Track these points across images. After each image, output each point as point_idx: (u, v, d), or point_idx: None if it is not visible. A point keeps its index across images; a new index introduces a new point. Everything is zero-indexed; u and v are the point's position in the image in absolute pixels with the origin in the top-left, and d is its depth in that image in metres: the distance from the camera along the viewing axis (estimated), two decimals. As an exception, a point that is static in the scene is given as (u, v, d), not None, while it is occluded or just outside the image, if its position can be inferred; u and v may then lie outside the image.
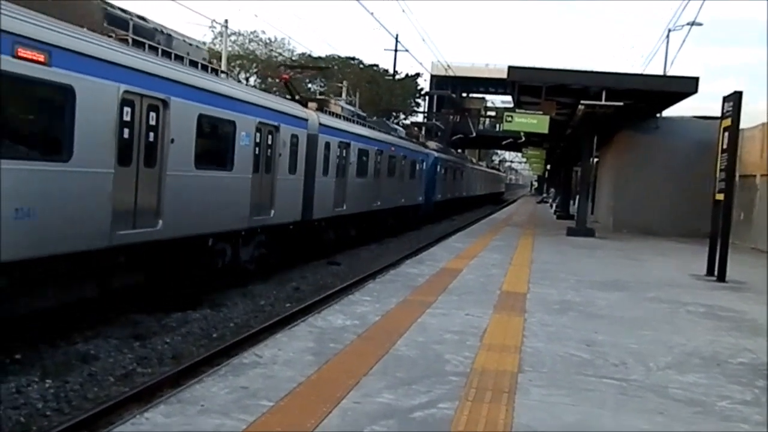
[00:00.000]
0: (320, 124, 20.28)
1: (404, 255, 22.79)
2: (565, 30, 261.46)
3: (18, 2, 7.95)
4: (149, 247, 11.94)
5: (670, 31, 40.94)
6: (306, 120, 19.19)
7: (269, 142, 16.52)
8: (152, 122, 11.64)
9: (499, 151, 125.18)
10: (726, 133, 16.06)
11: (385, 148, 28.48)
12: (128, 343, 10.77)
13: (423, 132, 53.77)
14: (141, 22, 12.45)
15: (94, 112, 10.08)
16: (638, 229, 28.48)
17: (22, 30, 8.57)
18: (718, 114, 17.70)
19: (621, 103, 23.47)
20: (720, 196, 16.12)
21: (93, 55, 9.99)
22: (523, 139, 47.61)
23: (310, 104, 21.31)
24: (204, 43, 22.63)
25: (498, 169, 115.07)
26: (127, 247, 11.27)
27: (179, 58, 12.98)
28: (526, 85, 23.65)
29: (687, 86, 23.50)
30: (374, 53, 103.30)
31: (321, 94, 54.45)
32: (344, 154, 22.79)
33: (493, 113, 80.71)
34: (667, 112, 30.51)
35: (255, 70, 56.61)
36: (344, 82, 50.78)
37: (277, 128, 16.82)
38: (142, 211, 11.48)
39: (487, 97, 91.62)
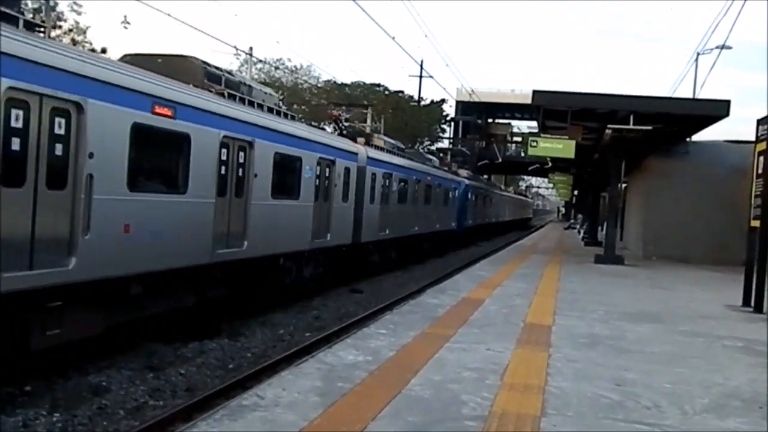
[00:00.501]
0: (368, 157, 22.72)
1: (427, 283, 22.47)
2: (593, 54, 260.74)
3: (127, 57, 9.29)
4: (236, 265, 13.99)
5: (698, 54, 40.22)
6: (356, 154, 21.78)
7: (327, 174, 18.90)
8: (241, 160, 13.84)
9: (525, 177, 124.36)
10: (761, 158, 15.37)
11: (422, 177, 30.68)
12: (142, 374, 10.50)
13: (449, 158, 53.47)
14: (230, 76, 14.94)
15: (203, 154, 12.33)
16: (669, 257, 27.74)
17: (157, 92, 10.97)
18: (749, 138, 17.03)
19: (650, 127, 22.87)
20: (756, 223, 15.41)
21: (203, 108, 12.31)
22: (550, 164, 47.07)
23: (358, 139, 23.84)
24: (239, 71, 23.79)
25: (525, 195, 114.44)
26: (221, 264, 13.36)
27: (260, 106, 15.29)
28: (552, 109, 23.13)
29: (718, 109, 22.83)
30: (399, 80, 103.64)
31: (346, 120, 54.44)
32: (387, 184, 25.01)
33: (519, 139, 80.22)
34: (697, 137, 29.76)
35: (281, 98, 56.58)
36: (369, 109, 50.66)
37: (333, 162, 19.23)
38: (233, 234, 13.62)
39: (513, 122, 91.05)
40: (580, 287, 17.06)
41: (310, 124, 23.40)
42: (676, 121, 23.89)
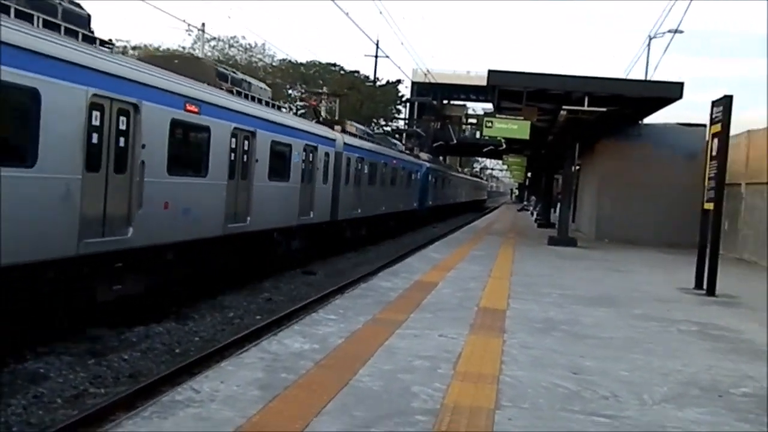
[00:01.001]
0: (344, 143, 25.65)
1: (381, 265, 22.22)
2: (548, 36, 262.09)
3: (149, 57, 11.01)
4: (241, 237, 16.47)
5: (650, 38, 40.42)
6: (334, 140, 24.56)
7: (311, 159, 21.63)
8: (245, 147, 16.37)
9: (480, 159, 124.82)
10: (715, 140, 15.26)
11: (389, 161, 33.75)
12: (83, 360, 10.02)
13: (404, 138, 53.31)
14: (234, 75, 18.27)
15: (219, 143, 14.89)
16: (621, 239, 27.84)
17: (188, 93, 13.57)
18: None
19: (604, 109, 22.76)
20: (709, 206, 15.33)
21: (219, 104, 14.93)
22: (504, 146, 47.04)
23: (335, 126, 26.94)
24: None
25: (480, 177, 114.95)
26: (231, 236, 15.85)
27: (259, 101, 18.30)
28: (507, 89, 22.88)
29: (671, 91, 22.86)
30: (355, 59, 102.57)
31: (301, 99, 53.86)
32: (360, 167, 27.91)
33: (474, 120, 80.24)
34: (650, 120, 29.87)
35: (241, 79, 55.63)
36: (324, 88, 50.14)
37: (316, 148, 21.98)
38: (239, 211, 16.10)
39: (468, 104, 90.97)
40: (535, 270, 16.86)
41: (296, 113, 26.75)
42: (631, 103, 23.85)
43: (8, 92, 8.86)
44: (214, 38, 53.39)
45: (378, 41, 55.88)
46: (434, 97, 77.25)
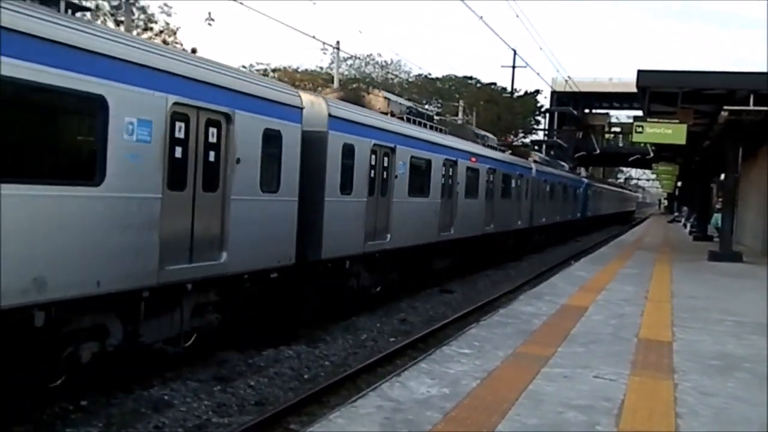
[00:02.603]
0: (536, 164, 31.32)
1: (522, 283, 21.16)
2: (700, 39, 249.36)
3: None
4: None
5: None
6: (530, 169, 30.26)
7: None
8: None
9: (624, 168, 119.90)
10: None
11: (561, 180, 39.78)
12: (209, 387, 9.57)
13: (544, 150, 51.75)
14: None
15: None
16: (792, 253, 25.06)
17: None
18: None
19: (774, 108, 20.37)
20: None
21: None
22: (651, 155, 44.27)
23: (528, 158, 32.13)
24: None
25: (626, 188, 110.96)
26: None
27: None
28: (659, 91, 20.91)
29: None
30: (492, 71, 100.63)
31: (438, 114, 53.24)
32: (545, 188, 34.26)
33: (617, 129, 77.01)
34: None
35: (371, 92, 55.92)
36: (460, 102, 49.26)
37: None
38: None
39: (611, 112, 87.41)
40: (698, 291, 14.93)
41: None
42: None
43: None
44: (351, 56, 53.67)
45: (515, 50, 54.19)
46: (575, 106, 74.50)
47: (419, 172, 17.93)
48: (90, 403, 8.39)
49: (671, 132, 20.42)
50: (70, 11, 8.40)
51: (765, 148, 27.28)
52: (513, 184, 27.87)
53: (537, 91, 69.84)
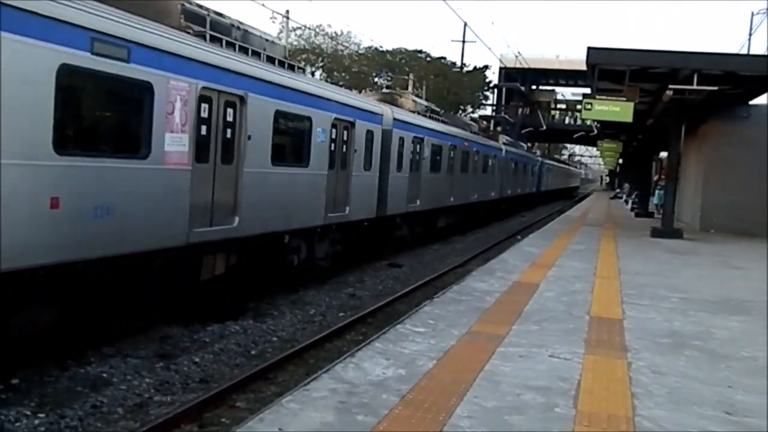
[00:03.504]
0: (505, 145, 36.63)
1: (470, 257, 21.28)
2: (647, 17, 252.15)
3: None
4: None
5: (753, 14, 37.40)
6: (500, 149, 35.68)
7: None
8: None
9: (568, 145, 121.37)
10: None
11: (530, 162, 49.14)
12: (151, 364, 9.23)
13: (492, 125, 51.95)
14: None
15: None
16: (728, 230, 25.73)
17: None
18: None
19: (715, 88, 20.70)
20: None
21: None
22: (596, 132, 44.74)
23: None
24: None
25: (570, 165, 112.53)
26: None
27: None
28: (607, 69, 21.05)
29: (789, 67, 20.52)
30: (442, 45, 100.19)
31: (388, 87, 52.86)
32: (513, 165, 41.37)
33: (563, 106, 77.76)
34: (758, 100, 27.44)
35: (321, 64, 55.32)
36: (410, 75, 49.03)
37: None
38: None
39: (557, 89, 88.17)
40: (644, 267, 15.16)
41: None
42: (744, 80, 21.66)
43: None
44: (300, 26, 52.81)
45: (466, 23, 54.11)
46: (522, 82, 74.88)
47: (437, 154, 24.31)
48: (22, 382, 8.06)
49: (619, 109, 20.57)
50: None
51: (704, 127, 27.79)
52: (490, 163, 34.09)
53: (486, 67, 69.86)
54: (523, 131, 62.74)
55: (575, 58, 63.04)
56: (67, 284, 8.52)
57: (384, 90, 33.11)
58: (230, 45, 12.09)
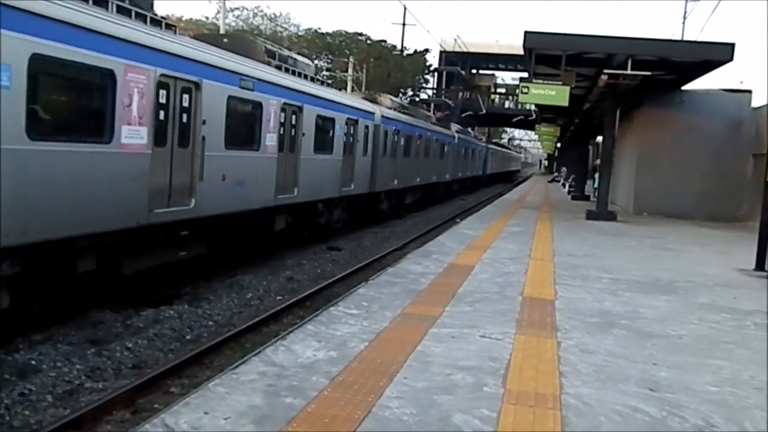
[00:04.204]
0: (457, 133, 43.01)
1: (408, 240, 21.40)
2: (582, 4, 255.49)
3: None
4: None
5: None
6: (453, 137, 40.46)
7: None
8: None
9: (508, 129, 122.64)
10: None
11: (472, 146, 50.97)
12: (82, 350, 9.01)
13: (432, 109, 52.16)
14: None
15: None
16: (660, 212, 26.47)
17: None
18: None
19: (649, 73, 21.12)
20: (774, 178, 13.78)
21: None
22: (534, 116, 45.30)
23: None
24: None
25: (508, 148, 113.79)
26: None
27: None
28: (544, 53, 21.27)
29: (721, 53, 21.04)
30: (382, 28, 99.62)
31: (328, 70, 52.59)
32: (463, 151, 44.61)
33: (503, 90, 78.45)
34: (691, 86, 28.09)
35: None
36: (351, 58, 48.80)
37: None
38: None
39: (497, 73, 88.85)
40: (577, 248, 15.41)
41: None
42: (677, 66, 22.15)
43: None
44: (238, 7, 52.10)
45: (405, 6, 54.06)
46: (463, 66, 75.22)
47: (408, 143, 29.00)
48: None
49: (555, 93, 20.80)
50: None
51: (639, 112, 28.35)
52: (445, 149, 38.47)
53: (426, 50, 70.14)
54: (462, 115, 63.07)
55: (515, 43, 63.73)
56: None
57: (365, 92, 35.19)
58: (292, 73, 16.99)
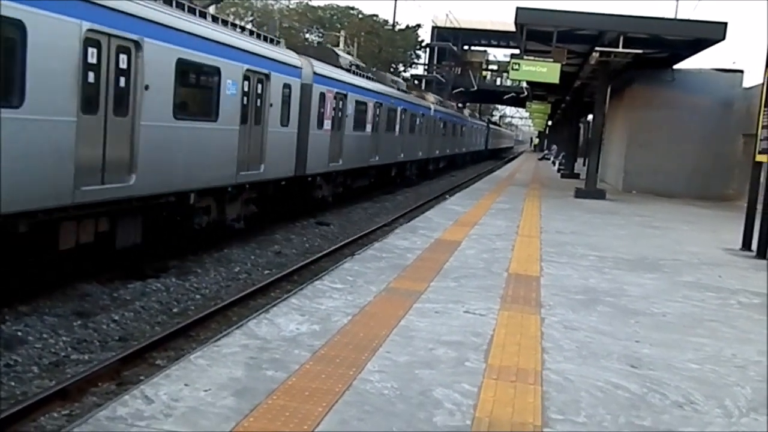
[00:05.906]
0: (470, 116, 52.45)
1: (397, 216, 21.38)
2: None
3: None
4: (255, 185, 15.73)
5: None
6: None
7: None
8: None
9: (499, 106, 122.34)
10: (772, 84, 13.63)
11: (483, 127, 63.18)
12: (68, 322, 8.95)
13: (424, 84, 51.98)
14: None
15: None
16: (649, 191, 26.56)
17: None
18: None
19: (640, 51, 21.07)
20: (762, 158, 13.79)
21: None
22: (525, 93, 45.20)
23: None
24: None
25: (500, 126, 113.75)
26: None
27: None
28: (535, 29, 21.16)
29: (714, 32, 20.99)
30: (374, 3, 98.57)
31: (319, 44, 52.12)
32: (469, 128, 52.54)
33: (494, 67, 78.10)
34: (682, 65, 28.06)
35: (251, 19, 54.22)
36: (342, 33, 48.39)
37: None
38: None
39: (489, 50, 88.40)
40: (565, 226, 15.42)
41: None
42: (669, 44, 22.09)
43: None
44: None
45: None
46: (455, 42, 74.82)
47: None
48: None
49: (546, 70, 20.74)
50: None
51: (630, 90, 28.29)
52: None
53: (418, 26, 69.63)
54: (454, 91, 62.85)
55: (507, 20, 63.42)
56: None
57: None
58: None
